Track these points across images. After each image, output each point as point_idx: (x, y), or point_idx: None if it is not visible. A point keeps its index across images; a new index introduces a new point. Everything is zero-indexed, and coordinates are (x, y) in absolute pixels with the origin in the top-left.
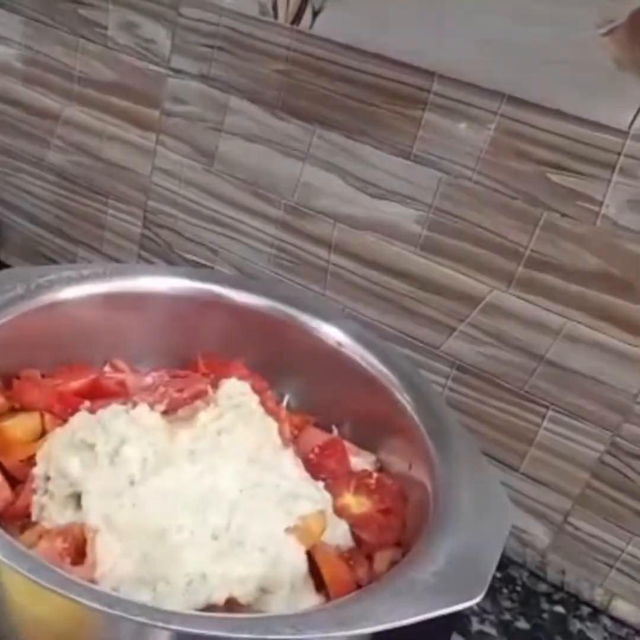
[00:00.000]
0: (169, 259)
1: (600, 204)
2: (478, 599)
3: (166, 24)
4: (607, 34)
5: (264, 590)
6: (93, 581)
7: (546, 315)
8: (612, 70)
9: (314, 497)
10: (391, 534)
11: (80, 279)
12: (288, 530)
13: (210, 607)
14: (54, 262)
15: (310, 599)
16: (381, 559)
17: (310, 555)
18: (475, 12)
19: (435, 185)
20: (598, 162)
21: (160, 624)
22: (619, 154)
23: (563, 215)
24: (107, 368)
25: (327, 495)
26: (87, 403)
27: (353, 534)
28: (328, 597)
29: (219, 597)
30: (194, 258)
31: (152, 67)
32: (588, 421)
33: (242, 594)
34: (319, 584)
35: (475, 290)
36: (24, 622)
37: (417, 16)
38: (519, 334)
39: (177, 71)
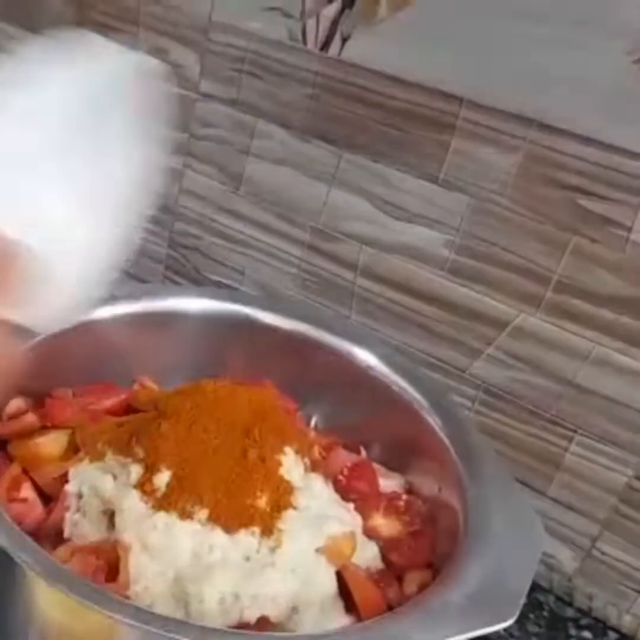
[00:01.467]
0: (195, 280)
1: (629, 229)
2: (511, 621)
3: (195, 49)
4: (638, 61)
5: (294, 610)
6: (126, 599)
7: (574, 340)
8: None
9: (343, 518)
10: (421, 556)
11: (111, 300)
12: (318, 550)
13: (242, 625)
14: None
15: (340, 620)
16: (411, 580)
17: (340, 577)
18: (505, 38)
19: (463, 210)
20: (626, 188)
21: None
22: None
23: (592, 240)
24: (136, 387)
25: (357, 517)
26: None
27: (383, 555)
28: (358, 619)
29: (251, 616)
30: (220, 279)
31: (181, 91)
32: (616, 446)
33: (274, 612)
34: (349, 605)
35: (503, 314)
36: (57, 636)
37: (446, 42)
38: (547, 357)
39: (206, 95)
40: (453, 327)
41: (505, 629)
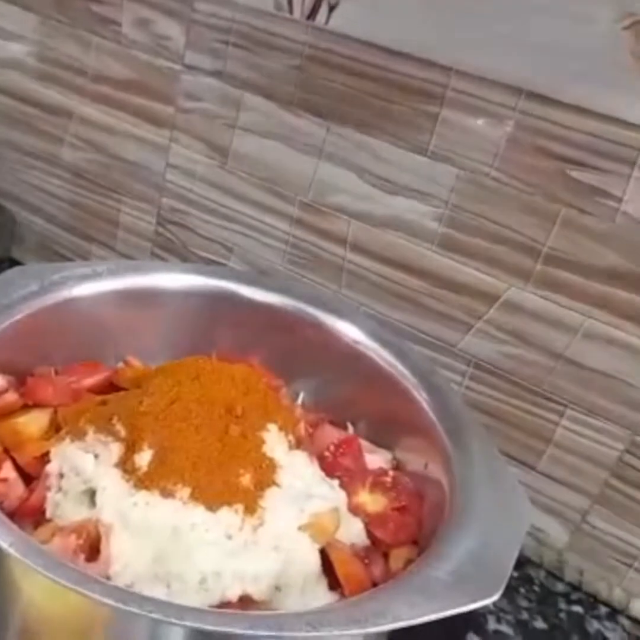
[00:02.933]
0: (183, 256)
1: (620, 200)
2: (495, 598)
3: (180, 20)
4: (626, 28)
5: (277, 588)
6: (107, 578)
7: (565, 313)
8: (631, 65)
9: (327, 495)
10: (407, 532)
11: (94, 276)
12: (301, 528)
13: (224, 604)
14: (68, 259)
15: (324, 597)
16: (397, 557)
17: (324, 554)
18: (492, 6)
19: (452, 182)
20: (617, 157)
21: (174, 620)
22: (639, 149)
23: (582, 211)
24: (120, 365)
25: (341, 493)
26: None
27: (368, 532)
28: (342, 596)
29: (233, 594)
30: (208, 256)
31: (166, 63)
32: (607, 420)
33: (256, 591)
34: (334, 583)
35: (492, 288)
36: (38, 619)
37: (433, 11)
38: (537, 331)
39: (191, 67)
40: (442, 301)
41: (495, 604)
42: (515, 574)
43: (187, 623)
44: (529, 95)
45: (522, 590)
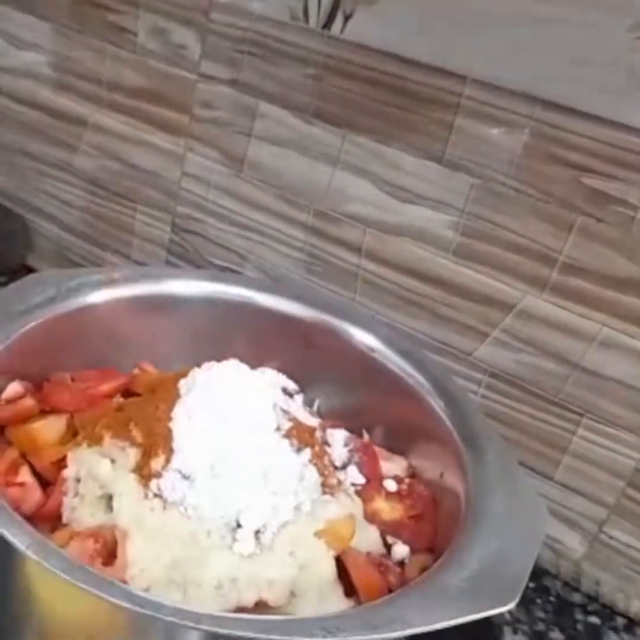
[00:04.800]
0: (197, 264)
1: (636, 208)
2: (511, 605)
3: (196, 30)
4: None
5: (293, 594)
6: (123, 583)
7: (581, 322)
8: None
9: (343, 502)
10: (423, 539)
11: (110, 283)
12: (317, 534)
13: (240, 610)
14: (82, 267)
15: (339, 604)
16: (412, 565)
17: (340, 561)
18: (508, 16)
19: (467, 190)
20: (633, 166)
21: (190, 624)
22: None
23: (598, 220)
24: (136, 371)
25: (357, 500)
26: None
27: (384, 539)
28: (358, 603)
29: (249, 600)
30: (223, 263)
31: (182, 72)
32: (624, 429)
33: (272, 597)
34: (350, 590)
35: (508, 296)
36: (55, 622)
37: (448, 20)
38: (553, 340)
39: (207, 77)
40: (458, 310)
41: (511, 614)
42: (532, 585)
43: (203, 627)
44: (544, 103)
45: (538, 601)
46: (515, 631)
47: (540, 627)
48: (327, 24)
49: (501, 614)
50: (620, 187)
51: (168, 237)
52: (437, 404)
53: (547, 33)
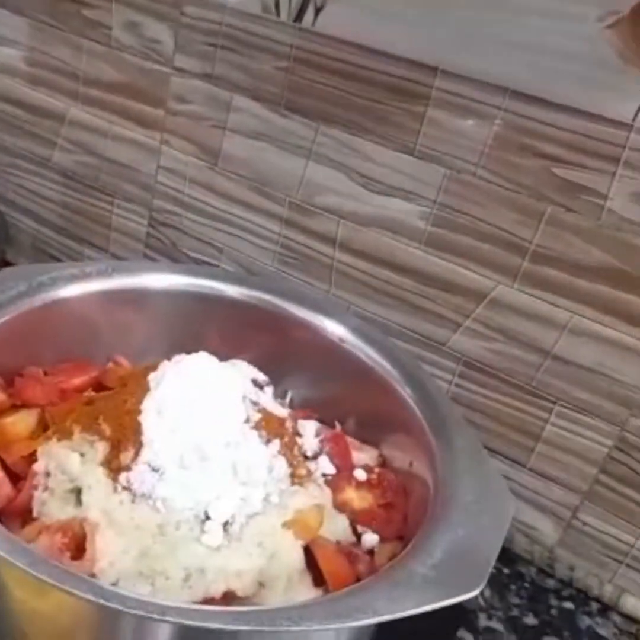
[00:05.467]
0: (174, 257)
1: (605, 197)
2: (477, 591)
3: (169, 24)
4: (610, 26)
5: (261, 584)
6: (92, 576)
7: (552, 310)
8: (616, 63)
9: (311, 491)
10: (392, 528)
11: (83, 277)
12: (285, 524)
13: (208, 601)
14: (60, 261)
15: (308, 593)
16: (382, 553)
17: (310, 551)
18: (478, 6)
19: (439, 181)
20: (602, 155)
21: (156, 616)
22: (624, 146)
23: (568, 209)
24: (109, 365)
25: (327, 490)
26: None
27: (354, 529)
28: (327, 592)
29: (217, 590)
30: (200, 256)
31: (156, 66)
32: (596, 416)
33: (240, 587)
34: (319, 579)
35: (480, 286)
36: (24, 617)
37: (419, 11)
38: (525, 329)
39: (181, 70)
40: (431, 299)
41: (486, 600)
42: (506, 571)
43: (169, 619)
44: (514, 94)
45: (513, 587)
46: (489, 617)
47: (515, 612)
48: (299, 16)
49: (475, 600)
50: (590, 177)
51: (145, 231)
52: (405, 393)
53: (518, 23)
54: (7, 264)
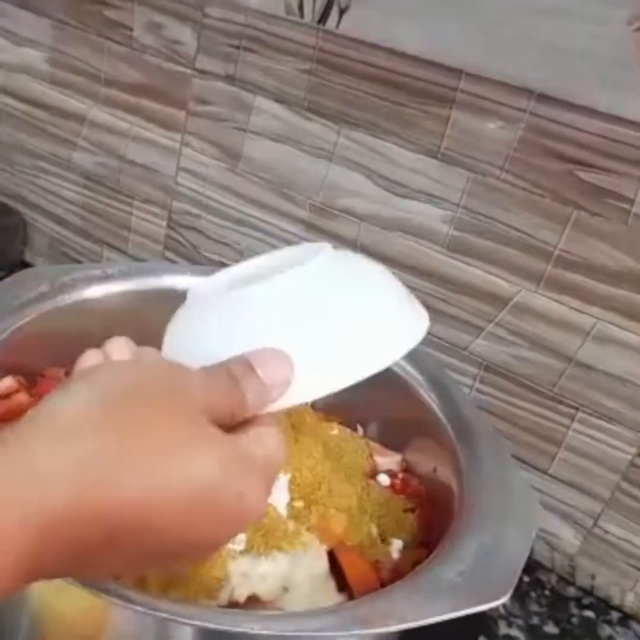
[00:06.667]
0: (193, 259)
1: (632, 202)
2: (504, 600)
3: (191, 25)
4: (638, 30)
5: (285, 589)
6: (116, 579)
7: (576, 316)
8: None
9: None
10: (416, 534)
11: (105, 278)
12: (309, 529)
13: (232, 604)
14: (78, 262)
15: (332, 598)
16: (406, 559)
17: (334, 555)
18: (504, 9)
19: (462, 185)
20: (628, 159)
21: (183, 620)
22: None
23: (593, 214)
24: None
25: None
26: None
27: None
28: (351, 597)
29: (241, 594)
30: (219, 259)
31: (177, 68)
32: (618, 423)
33: (264, 591)
34: (343, 584)
35: (503, 290)
36: (48, 620)
37: (443, 14)
38: (548, 334)
39: (203, 71)
40: (453, 304)
41: (506, 609)
42: (527, 579)
43: (196, 622)
44: (539, 97)
45: (533, 594)
46: (510, 625)
47: (535, 620)
48: (323, 18)
49: (496, 608)
50: (615, 181)
51: (164, 233)
52: (430, 398)
53: (544, 25)
54: (26, 264)
